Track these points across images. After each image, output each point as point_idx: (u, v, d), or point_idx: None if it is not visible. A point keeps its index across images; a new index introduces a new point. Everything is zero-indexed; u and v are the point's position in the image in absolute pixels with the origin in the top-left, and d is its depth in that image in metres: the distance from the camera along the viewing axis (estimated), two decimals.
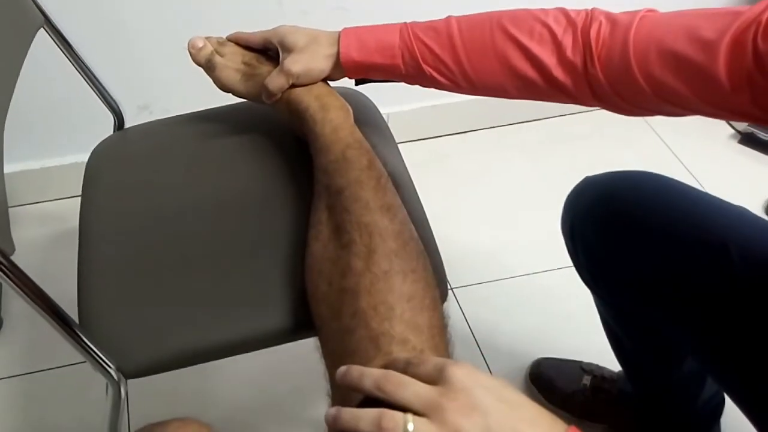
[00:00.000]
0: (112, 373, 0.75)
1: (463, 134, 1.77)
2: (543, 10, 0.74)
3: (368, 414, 0.48)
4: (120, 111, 1.08)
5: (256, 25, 0.96)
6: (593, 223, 0.89)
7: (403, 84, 0.87)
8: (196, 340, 0.78)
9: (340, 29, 0.81)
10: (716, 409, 1.09)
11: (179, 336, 0.78)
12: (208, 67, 0.89)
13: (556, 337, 1.33)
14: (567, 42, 0.71)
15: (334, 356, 0.68)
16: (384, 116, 1.03)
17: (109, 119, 1.08)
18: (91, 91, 1.05)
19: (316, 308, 0.72)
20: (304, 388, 1.26)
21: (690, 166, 1.67)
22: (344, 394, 0.56)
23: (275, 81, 0.83)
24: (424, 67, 0.77)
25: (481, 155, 1.73)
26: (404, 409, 0.48)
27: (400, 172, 0.92)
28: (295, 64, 0.81)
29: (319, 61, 0.81)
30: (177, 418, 0.65)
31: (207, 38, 0.90)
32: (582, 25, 0.71)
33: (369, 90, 0.98)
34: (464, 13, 0.79)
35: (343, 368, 0.53)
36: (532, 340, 1.33)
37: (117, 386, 0.76)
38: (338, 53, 0.80)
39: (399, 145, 0.98)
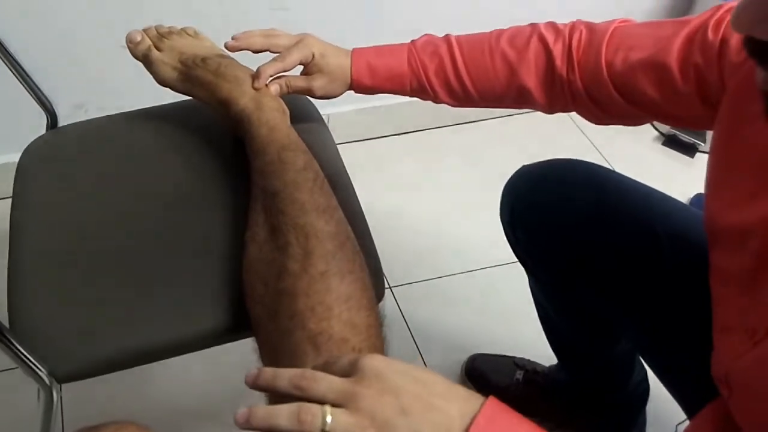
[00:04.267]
0: (44, 377, 0.73)
1: (403, 135, 1.80)
2: (533, 25, 0.83)
3: (285, 409, 0.48)
4: (53, 109, 1.05)
5: (198, 23, 0.96)
6: (531, 207, 0.92)
7: None
8: (131, 343, 0.77)
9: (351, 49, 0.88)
10: (643, 395, 1.14)
11: (113, 338, 0.77)
12: (146, 61, 0.88)
13: (490, 334, 1.36)
14: (557, 52, 0.80)
15: (272, 357, 0.68)
16: (324, 117, 1.04)
17: (42, 118, 1.06)
18: (23, 89, 1.02)
19: (253, 309, 0.72)
20: (243, 390, 1.24)
21: (617, 166, 1.73)
22: (280, 397, 0.56)
23: (299, 84, 0.87)
24: (429, 90, 0.86)
25: (421, 156, 1.75)
26: (322, 404, 0.48)
27: (339, 173, 0.93)
28: (320, 90, 0.87)
29: (338, 89, 0.88)
30: (114, 421, 0.64)
31: (146, 30, 0.90)
32: (567, 34, 0.80)
33: None
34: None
35: (253, 371, 0.52)
36: (467, 336, 1.37)
37: (49, 391, 0.74)
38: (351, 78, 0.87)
39: (339, 146, 0.99)
